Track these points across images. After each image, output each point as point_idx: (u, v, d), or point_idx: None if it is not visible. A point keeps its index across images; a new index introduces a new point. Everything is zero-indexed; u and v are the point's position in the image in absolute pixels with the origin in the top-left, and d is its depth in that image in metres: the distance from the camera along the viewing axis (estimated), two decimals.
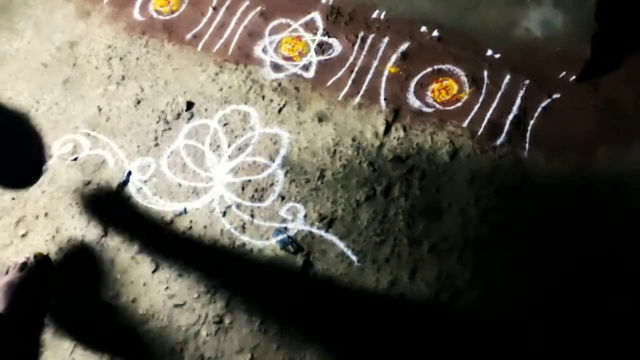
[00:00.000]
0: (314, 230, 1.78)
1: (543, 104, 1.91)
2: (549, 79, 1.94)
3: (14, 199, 1.91)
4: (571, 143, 1.84)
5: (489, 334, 1.60)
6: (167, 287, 1.73)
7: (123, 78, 2.13)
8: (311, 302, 1.68)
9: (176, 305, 1.71)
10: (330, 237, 1.76)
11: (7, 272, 1.73)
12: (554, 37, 1.94)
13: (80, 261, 1.80)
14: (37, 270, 1.74)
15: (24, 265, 1.73)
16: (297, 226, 1.79)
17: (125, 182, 1.92)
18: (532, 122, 1.88)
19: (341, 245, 1.75)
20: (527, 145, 1.85)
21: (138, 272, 1.76)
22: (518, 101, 1.92)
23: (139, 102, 2.07)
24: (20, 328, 1.67)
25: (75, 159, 1.97)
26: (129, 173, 1.93)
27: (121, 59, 2.18)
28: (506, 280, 1.66)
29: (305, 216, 1.80)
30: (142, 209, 1.87)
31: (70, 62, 2.20)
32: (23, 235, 1.86)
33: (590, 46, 1.89)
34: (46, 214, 1.88)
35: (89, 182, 1.92)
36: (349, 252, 1.73)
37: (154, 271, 1.76)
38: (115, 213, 1.87)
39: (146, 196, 1.89)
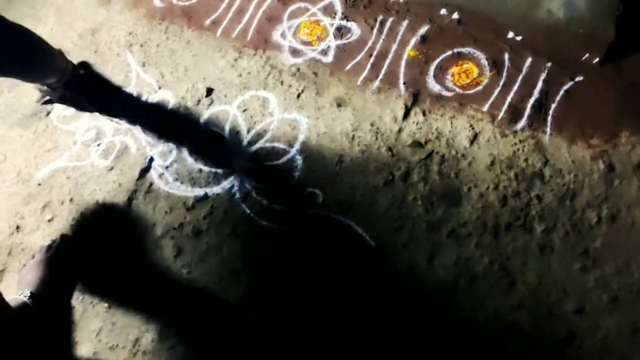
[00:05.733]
0: (333, 215, 1.79)
1: (565, 87, 1.88)
2: (572, 61, 1.91)
3: (40, 184, 1.96)
4: (594, 127, 1.81)
5: (508, 320, 1.61)
6: (189, 272, 1.77)
7: (144, 64, 2.15)
8: (330, 285, 1.70)
9: (197, 289, 1.74)
10: (348, 222, 1.77)
11: (33, 257, 1.78)
12: (577, 19, 1.90)
13: (102, 245, 1.84)
14: (63, 251, 1.80)
15: (49, 248, 1.79)
16: (315, 211, 1.80)
17: (147, 168, 1.95)
18: (553, 105, 1.86)
19: (359, 230, 1.76)
20: (548, 129, 1.82)
21: (160, 256, 1.80)
22: (540, 84, 1.89)
23: (159, 88, 2.09)
24: (51, 307, 1.72)
25: (99, 145, 2.01)
26: (151, 159, 1.96)
27: (141, 45, 2.20)
28: (525, 266, 1.65)
29: (323, 201, 1.81)
30: (164, 194, 1.90)
31: (92, 49, 2.22)
32: (49, 220, 1.90)
33: (614, 27, 1.84)
34: (71, 199, 1.92)
35: (112, 168, 1.96)
36: (367, 237, 1.74)
37: (176, 256, 1.79)
38: (138, 198, 1.90)
39: (168, 182, 1.92)
